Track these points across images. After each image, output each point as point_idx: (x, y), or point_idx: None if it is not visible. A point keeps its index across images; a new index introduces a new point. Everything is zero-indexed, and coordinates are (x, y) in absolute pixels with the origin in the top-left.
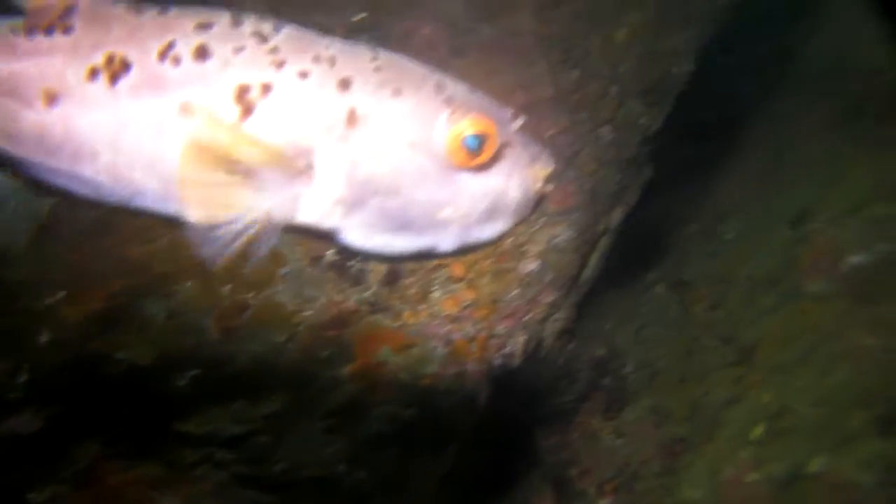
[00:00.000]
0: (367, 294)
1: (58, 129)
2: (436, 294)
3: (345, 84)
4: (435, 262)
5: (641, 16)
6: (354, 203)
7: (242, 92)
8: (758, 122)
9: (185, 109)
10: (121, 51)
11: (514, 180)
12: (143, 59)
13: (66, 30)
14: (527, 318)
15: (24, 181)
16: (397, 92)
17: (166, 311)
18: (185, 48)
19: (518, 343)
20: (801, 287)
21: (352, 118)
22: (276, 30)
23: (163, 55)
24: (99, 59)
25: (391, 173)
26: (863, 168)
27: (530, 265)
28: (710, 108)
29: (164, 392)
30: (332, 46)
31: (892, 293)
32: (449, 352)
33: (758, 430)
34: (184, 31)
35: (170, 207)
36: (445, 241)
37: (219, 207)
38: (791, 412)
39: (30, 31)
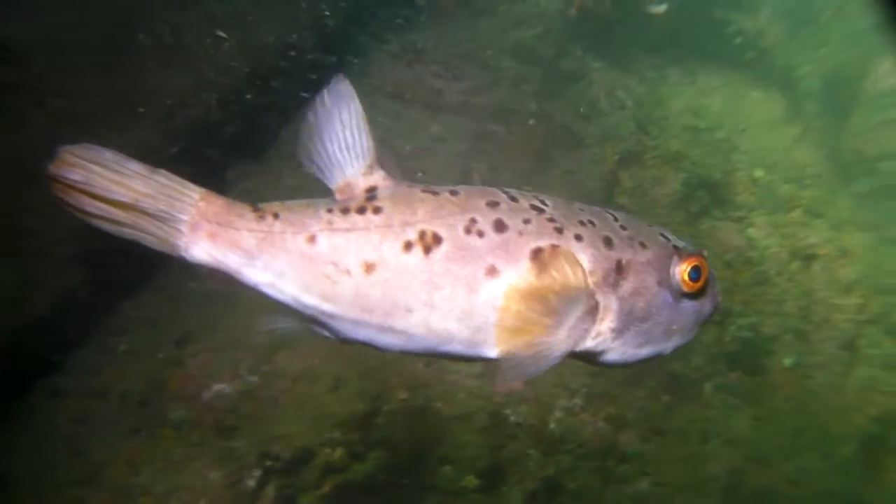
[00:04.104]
0: None
1: (375, 293)
2: None
3: (608, 242)
4: None
5: None
6: (621, 330)
7: (536, 253)
8: None
9: (492, 272)
10: (431, 227)
11: (708, 298)
12: (452, 233)
13: (377, 210)
14: None
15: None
16: (643, 245)
17: None
18: (485, 224)
19: None
20: (165, 412)
21: (619, 268)
22: (543, 202)
23: (468, 230)
24: (412, 234)
25: (647, 305)
26: None
27: None
28: None
29: None
30: (583, 211)
31: None
32: None
33: None
34: (480, 210)
35: (473, 351)
36: (668, 347)
37: (526, 340)
38: None
39: (344, 211)
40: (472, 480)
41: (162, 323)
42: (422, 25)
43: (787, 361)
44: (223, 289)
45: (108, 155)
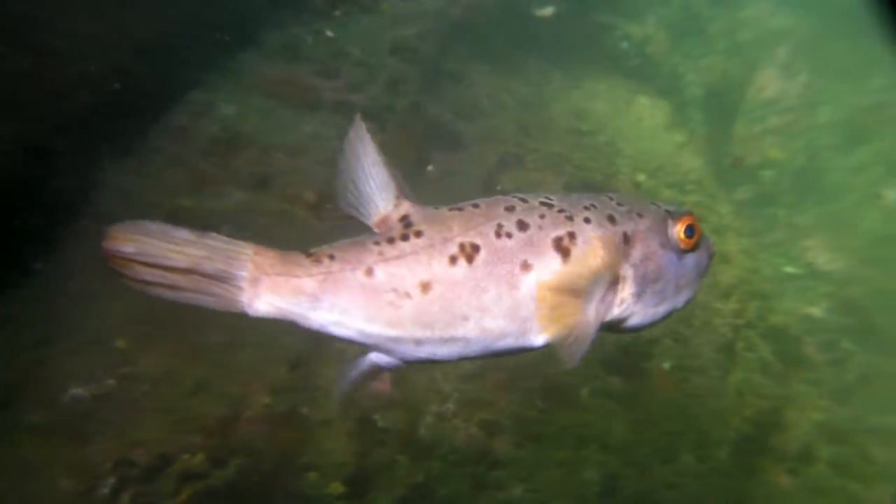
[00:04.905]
0: None
1: (434, 308)
2: None
3: (612, 219)
4: None
5: None
6: (639, 294)
7: (558, 242)
8: None
9: (525, 266)
10: (468, 239)
11: (703, 251)
12: (487, 240)
13: (418, 234)
14: None
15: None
16: (640, 215)
17: None
18: (510, 226)
19: None
20: (21, 416)
21: (626, 238)
22: (549, 198)
23: (498, 234)
24: (454, 248)
25: (656, 267)
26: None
27: None
28: None
29: None
30: (582, 198)
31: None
32: None
33: None
34: (502, 215)
35: (522, 341)
36: (680, 302)
37: (564, 323)
38: None
39: (390, 241)
40: (337, 487)
41: (26, 322)
42: (302, 22)
43: (667, 365)
44: (96, 289)
45: (154, 226)
